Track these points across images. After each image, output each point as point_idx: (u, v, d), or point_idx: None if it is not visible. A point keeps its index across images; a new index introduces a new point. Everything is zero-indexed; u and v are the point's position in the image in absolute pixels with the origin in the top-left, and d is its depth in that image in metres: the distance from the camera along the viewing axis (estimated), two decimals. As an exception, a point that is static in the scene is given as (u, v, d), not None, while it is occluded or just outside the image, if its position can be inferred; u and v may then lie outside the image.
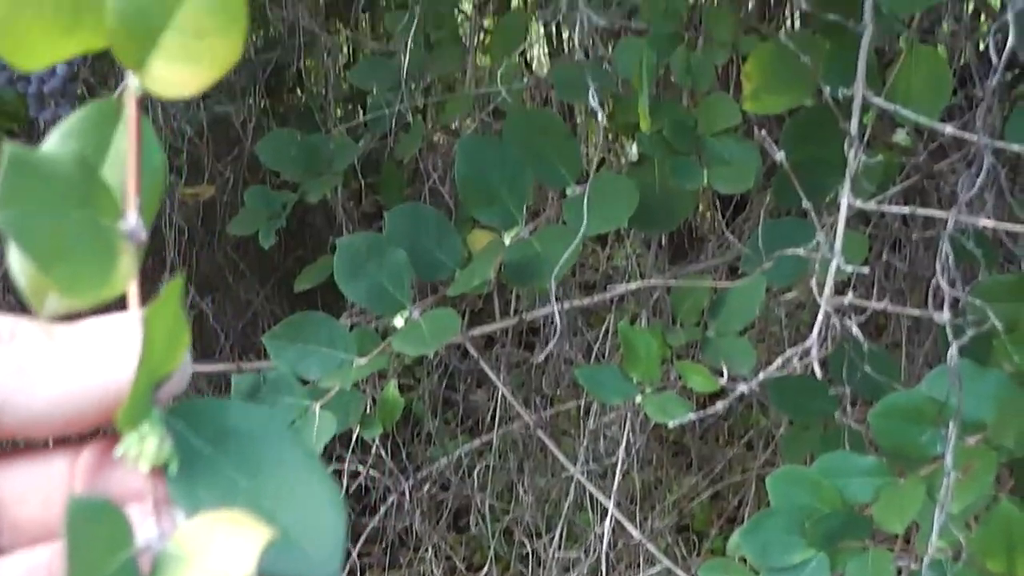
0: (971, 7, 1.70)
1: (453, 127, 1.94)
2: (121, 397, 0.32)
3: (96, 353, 0.33)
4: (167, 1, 0.33)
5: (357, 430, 1.27)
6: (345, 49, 2.41)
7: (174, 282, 0.30)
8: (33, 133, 1.77)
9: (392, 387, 1.31)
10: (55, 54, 0.34)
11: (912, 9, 1.15)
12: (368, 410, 1.27)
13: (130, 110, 0.34)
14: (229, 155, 2.13)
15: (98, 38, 0.34)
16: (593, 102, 1.17)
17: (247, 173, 2.11)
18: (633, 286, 1.41)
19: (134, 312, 0.33)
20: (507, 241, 1.20)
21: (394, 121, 1.69)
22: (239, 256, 2.35)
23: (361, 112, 2.01)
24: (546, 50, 2.56)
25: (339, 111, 2.25)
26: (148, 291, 0.33)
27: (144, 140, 0.34)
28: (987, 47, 1.01)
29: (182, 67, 0.33)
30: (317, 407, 1.17)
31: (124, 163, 0.34)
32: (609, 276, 2.01)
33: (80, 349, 0.33)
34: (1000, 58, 0.98)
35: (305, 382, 1.18)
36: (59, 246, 0.31)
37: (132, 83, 0.34)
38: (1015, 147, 1.04)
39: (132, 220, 0.33)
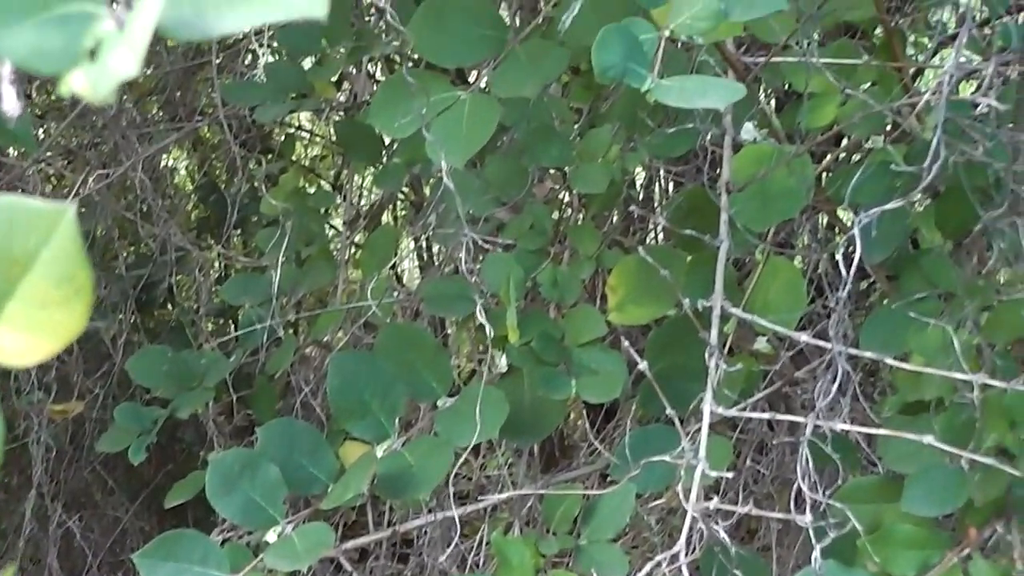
0: (825, 221, 1.77)
1: (325, 340, 1.95)
2: None
3: None
4: (11, 271, 0.32)
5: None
6: (217, 265, 2.43)
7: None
8: None
9: (265, 604, 1.29)
10: None
11: (765, 225, 1.21)
12: (240, 628, 1.24)
13: None
14: (99, 371, 2.12)
15: None
16: (482, 318, 1.20)
17: (117, 389, 2.09)
18: (505, 495, 1.42)
19: None
20: (380, 453, 1.21)
21: (266, 335, 1.69)
22: (107, 472, 2.31)
23: (233, 327, 2.01)
24: (417, 264, 2.60)
25: (210, 326, 2.25)
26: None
27: None
28: (840, 258, 1.06)
29: (25, 337, 0.33)
30: (188, 627, 1.15)
31: None
32: (482, 485, 2.01)
33: None
34: (849, 270, 1.03)
35: (176, 601, 1.16)
36: None
37: None
38: (868, 354, 1.08)
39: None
